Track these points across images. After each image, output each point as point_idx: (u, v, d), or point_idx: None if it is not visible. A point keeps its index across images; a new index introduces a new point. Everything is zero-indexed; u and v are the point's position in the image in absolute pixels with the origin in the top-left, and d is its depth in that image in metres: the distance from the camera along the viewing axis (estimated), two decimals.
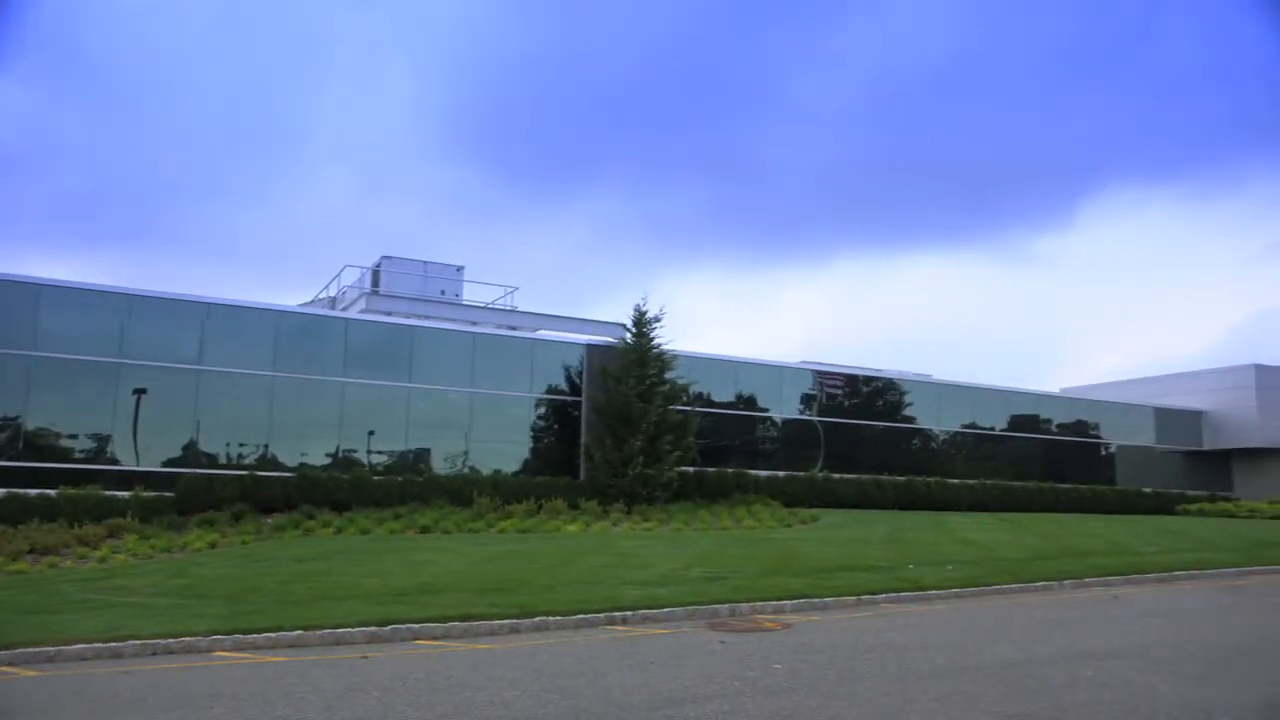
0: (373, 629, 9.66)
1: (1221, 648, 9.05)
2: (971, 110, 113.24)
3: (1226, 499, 37.87)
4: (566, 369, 27.57)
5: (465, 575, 13.25)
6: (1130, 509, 34.54)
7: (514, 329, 30.39)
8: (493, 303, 34.17)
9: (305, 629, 9.53)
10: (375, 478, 23.03)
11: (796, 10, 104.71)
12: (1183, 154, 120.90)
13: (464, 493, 22.98)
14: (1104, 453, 39.12)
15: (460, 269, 34.25)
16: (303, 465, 22.78)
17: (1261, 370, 40.86)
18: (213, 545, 17.28)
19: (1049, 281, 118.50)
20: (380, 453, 24.48)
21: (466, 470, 24.94)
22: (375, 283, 32.37)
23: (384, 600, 11.14)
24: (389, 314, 28.63)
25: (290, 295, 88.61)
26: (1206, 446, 41.30)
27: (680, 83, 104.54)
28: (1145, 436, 40.24)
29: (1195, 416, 41.44)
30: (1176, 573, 15.42)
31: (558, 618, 10.34)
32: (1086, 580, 14.38)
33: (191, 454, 21.95)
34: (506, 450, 26.35)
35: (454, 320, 29.86)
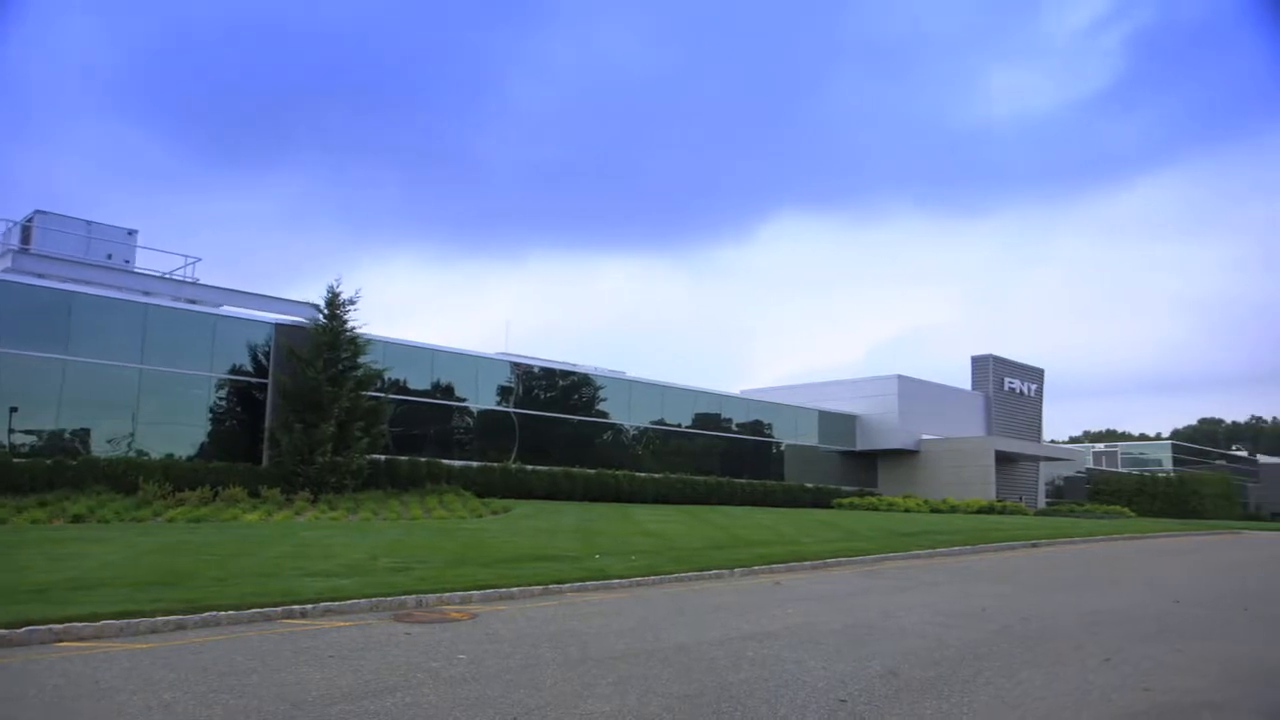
0: (1, 631, 8.52)
1: (859, 625, 10.21)
2: (667, 127, 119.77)
3: (873, 494, 42.73)
4: (252, 348, 25.89)
5: (124, 568, 12.07)
6: (795, 502, 38.01)
7: (194, 303, 28.06)
8: (170, 273, 31.36)
9: None
10: (17, 460, 20.38)
11: (508, 11, 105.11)
12: (842, 186, 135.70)
13: (128, 478, 20.91)
14: (775, 451, 42.70)
15: (133, 233, 31.12)
16: None
17: (903, 380, 46.50)
18: None
19: (731, 291, 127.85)
20: (26, 432, 21.73)
21: (132, 454, 22.70)
22: (25, 240, 28.63)
23: (19, 598, 9.87)
24: (41, 276, 25.37)
25: None
26: (859, 447, 46.31)
27: (382, 69, 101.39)
28: (810, 437, 44.41)
29: (850, 420, 46.32)
30: (829, 560, 17.09)
31: (230, 612, 9.68)
32: (754, 568, 15.55)
33: None
34: (181, 433, 24.30)
35: (123, 289, 27.05)
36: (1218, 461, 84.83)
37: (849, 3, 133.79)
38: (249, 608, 9.91)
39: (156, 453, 23.26)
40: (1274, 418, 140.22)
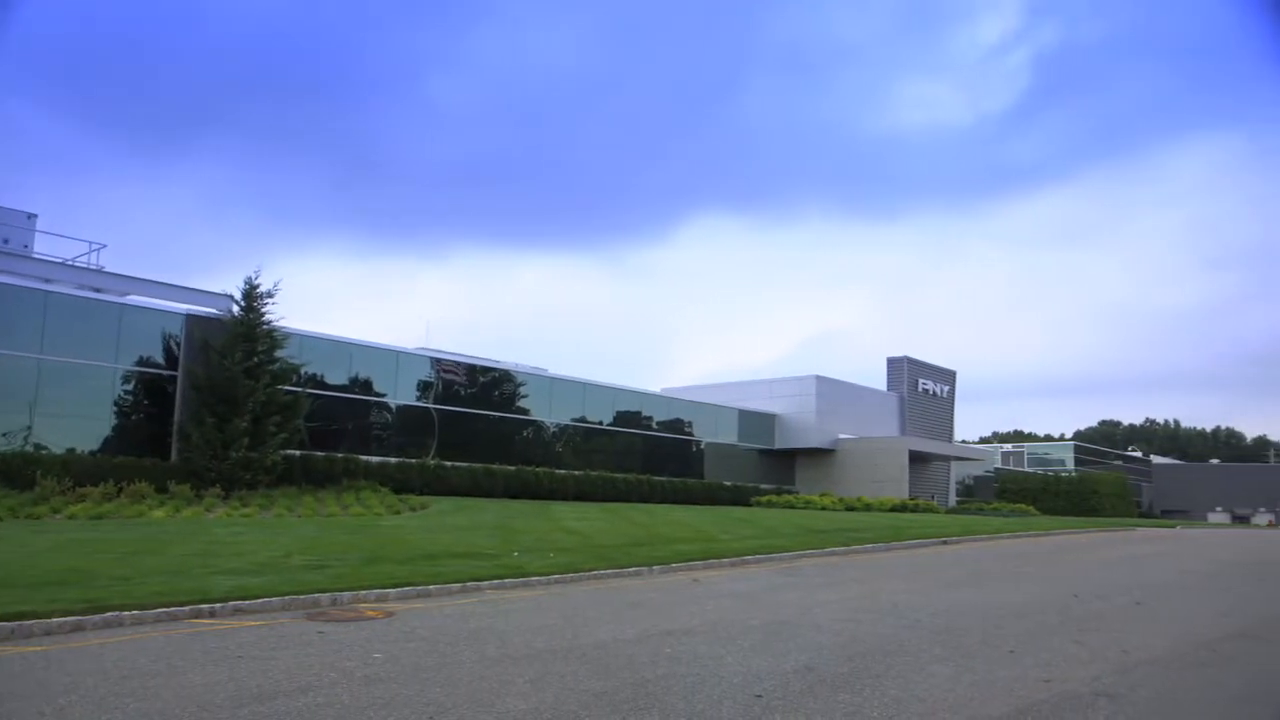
0: None
1: (775, 621, 10.35)
2: (588, 128, 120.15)
3: (790, 492, 43.32)
4: (164, 339, 25.09)
5: (17, 568, 11.57)
6: (714, 500, 38.32)
7: (99, 291, 27.00)
8: (73, 260, 30.13)
9: None
10: None
11: (431, 8, 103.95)
12: (758, 189, 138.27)
13: (25, 473, 20.06)
14: (695, 449, 42.99)
15: (32, 217, 29.83)
16: None
17: (821, 380, 47.25)
18: None
19: (652, 290, 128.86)
20: None
21: (29, 448, 21.77)
22: None
23: None
24: None
25: None
26: (778, 445, 46.90)
27: (305, 60, 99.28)
28: (729, 435, 44.82)
29: (770, 419, 46.89)
30: (747, 557, 17.27)
31: (134, 612, 9.36)
32: (673, 565, 15.63)
33: None
34: (83, 427, 23.39)
35: (21, 275, 25.88)
36: (1115, 462, 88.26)
37: (766, 10, 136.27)
38: (154, 607, 9.59)
39: (56, 447, 22.36)
40: (1165, 420, 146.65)
